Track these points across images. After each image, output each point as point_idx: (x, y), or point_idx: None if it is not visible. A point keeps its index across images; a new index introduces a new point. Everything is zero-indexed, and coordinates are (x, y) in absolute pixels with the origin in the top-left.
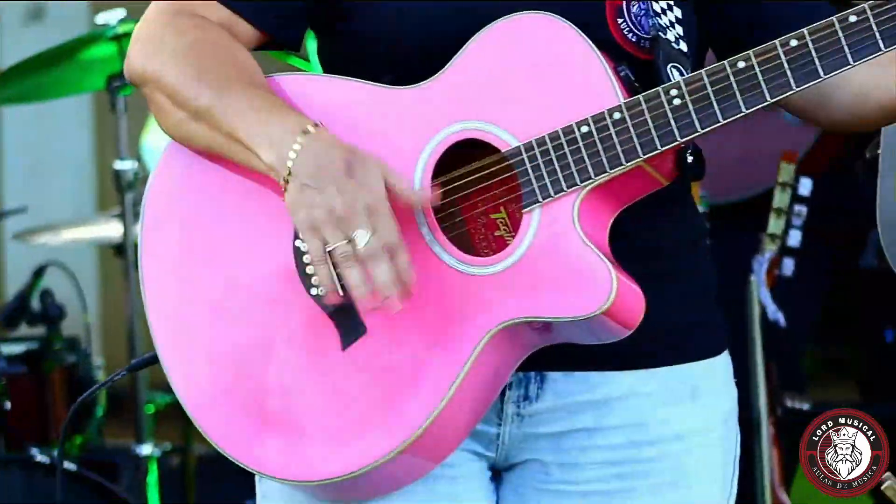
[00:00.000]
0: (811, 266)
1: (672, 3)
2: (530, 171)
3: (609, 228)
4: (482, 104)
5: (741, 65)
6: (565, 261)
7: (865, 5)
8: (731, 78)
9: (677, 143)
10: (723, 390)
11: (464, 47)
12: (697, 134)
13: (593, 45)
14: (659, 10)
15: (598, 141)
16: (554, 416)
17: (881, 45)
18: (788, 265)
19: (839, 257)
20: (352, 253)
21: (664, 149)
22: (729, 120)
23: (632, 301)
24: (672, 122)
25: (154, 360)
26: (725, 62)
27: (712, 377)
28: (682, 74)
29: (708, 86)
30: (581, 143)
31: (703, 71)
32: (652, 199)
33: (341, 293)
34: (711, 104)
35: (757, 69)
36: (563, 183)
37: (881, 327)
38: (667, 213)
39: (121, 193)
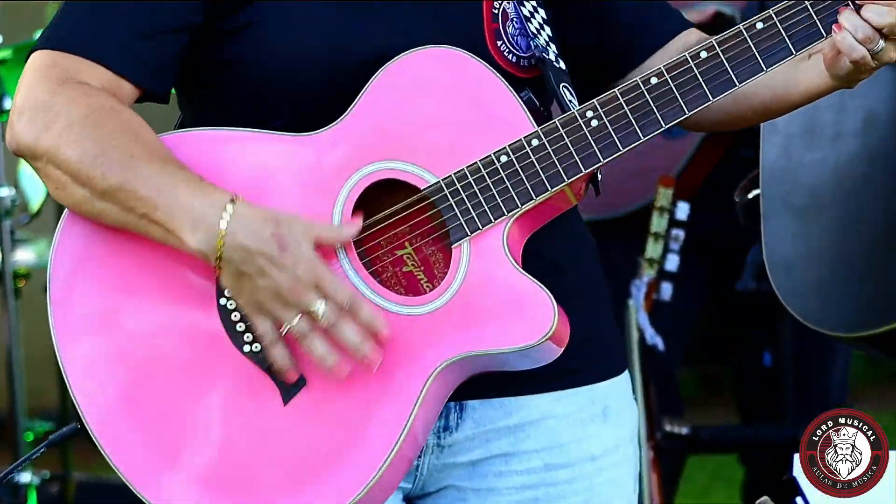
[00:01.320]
0: (689, 290)
1: (542, 21)
2: (455, 206)
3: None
4: (393, 143)
5: (654, 81)
6: (503, 291)
7: (771, 11)
8: (647, 95)
9: (601, 163)
10: (628, 408)
11: (366, 86)
12: (620, 153)
13: (498, 74)
14: (534, 31)
15: (519, 170)
16: (472, 444)
17: (792, 50)
18: (666, 290)
19: (717, 281)
20: (309, 328)
21: (588, 171)
22: (649, 136)
23: (564, 321)
24: (593, 144)
25: (77, 431)
26: (638, 79)
27: (619, 396)
28: (571, 93)
29: (624, 105)
30: (503, 173)
31: (616, 90)
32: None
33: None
34: (630, 122)
35: (671, 83)
36: (490, 215)
37: (759, 350)
38: (564, 229)
39: None
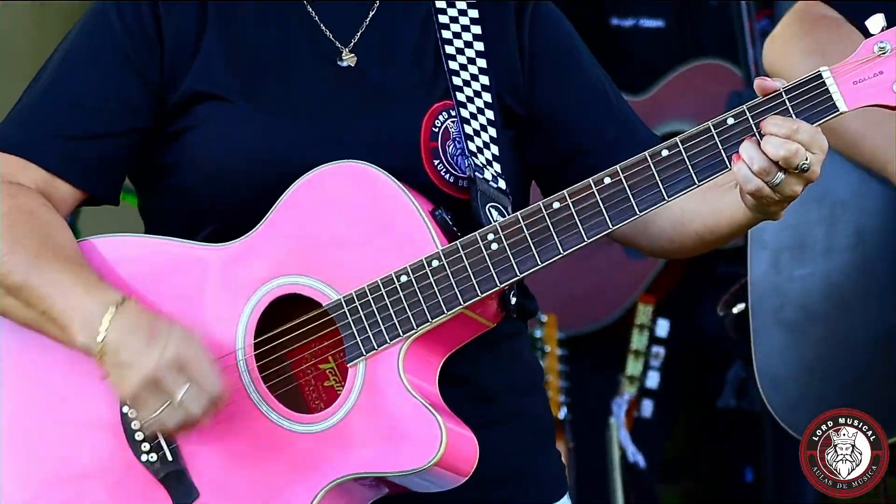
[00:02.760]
0: (670, 407)
1: (488, 140)
2: (352, 324)
3: (438, 374)
4: (301, 258)
5: (556, 205)
6: (393, 413)
7: (677, 139)
8: (548, 220)
9: (497, 288)
10: None
11: (278, 200)
12: (517, 278)
13: (406, 191)
14: (475, 149)
15: (417, 290)
16: None
17: (695, 179)
18: (647, 406)
19: (697, 398)
20: (177, 408)
21: (484, 295)
22: (548, 263)
23: (465, 449)
24: (491, 267)
25: None
26: (541, 203)
27: None
28: (501, 214)
29: (525, 229)
30: (401, 293)
31: (518, 214)
32: (483, 341)
33: (170, 457)
34: (529, 247)
35: (573, 209)
36: (385, 335)
37: (741, 467)
38: (499, 355)
39: None
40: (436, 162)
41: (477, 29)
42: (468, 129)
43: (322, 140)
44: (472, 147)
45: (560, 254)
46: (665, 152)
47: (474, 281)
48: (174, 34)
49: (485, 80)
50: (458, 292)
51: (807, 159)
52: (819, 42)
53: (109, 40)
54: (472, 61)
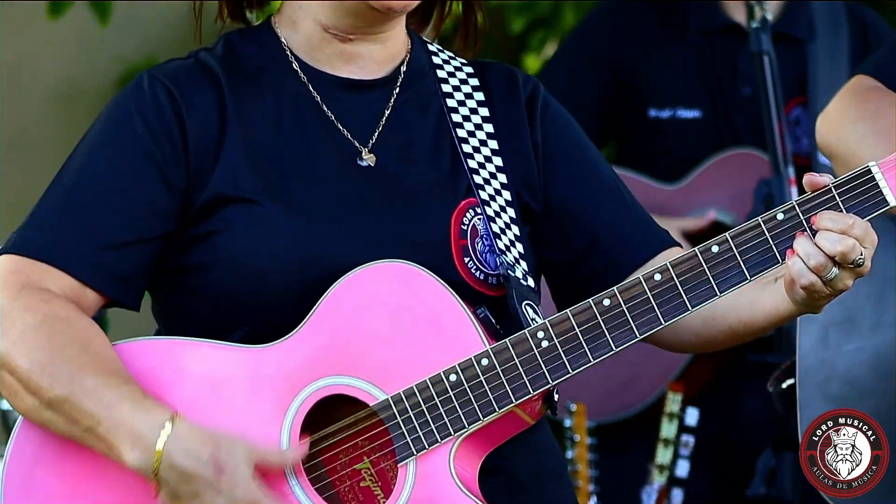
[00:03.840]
0: (700, 495)
1: (513, 238)
2: (402, 424)
3: (479, 468)
4: (345, 358)
5: (607, 302)
6: None
7: (727, 235)
8: (599, 317)
9: (549, 385)
10: None
11: (319, 301)
12: (569, 376)
13: (452, 291)
14: (503, 247)
15: (468, 389)
16: None
17: (746, 274)
18: (677, 496)
19: (727, 486)
20: None
21: (536, 393)
22: (599, 360)
23: None
24: (542, 365)
25: None
26: (590, 301)
27: None
28: (534, 311)
29: (575, 326)
30: (451, 392)
31: (568, 311)
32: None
33: None
34: (581, 344)
35: (624, 305)
36: (436, 434)
37: None
38: (528, 445)
39: None
40: (466, 260)
41: (489, 127)
42: (494, 227)
43: (354, 240)
44: (499, 245)
45: (612, 350)
46: (715, 248)
47: (525, 379)
48: (197, 137)
49: (503, 178)
50: (509, 390)
51: (861, 254)
52: (869, 111)
53: (135, 143)
54: (488, 159)
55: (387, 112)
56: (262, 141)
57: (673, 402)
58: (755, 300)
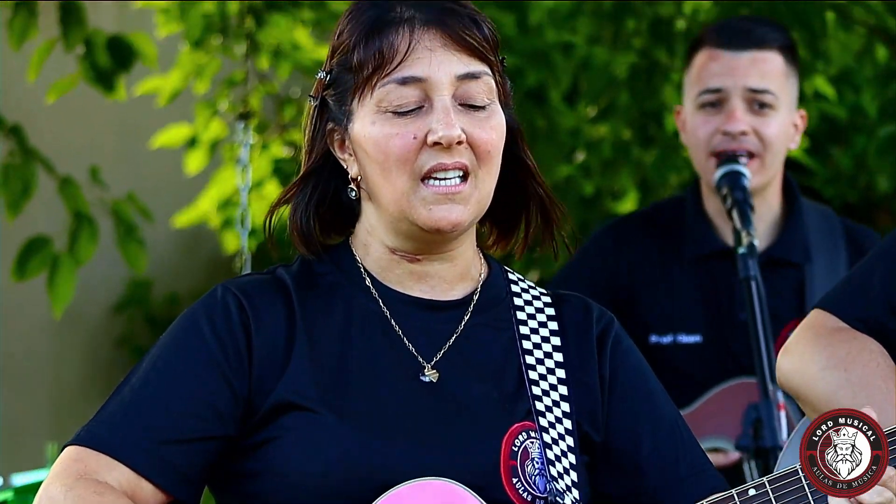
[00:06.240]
0: None
1: (567, 466)
2: None
3: None
4: None
5: None
6: None
7: (764, 479)
8: None
9: None
10: None
11: None
12: None
13: None
14: (556, 474)
15: None
16: None
17: None
18: None
19: None
20: None
21: None
22: None
23: None
24: None
25: None
26: None
27: None
28: None
29: None
30: None
31: None
32: None
33: None
34: None
35: None
36: None
37: None
38: None
39: None
40: (514, 480)
41: (559, 356)
42: (549, 454)
43: (405, 455)
44: (552, 471)
45: None
46: (752, 491)
47: None
48: (262, 348)
49: (566, 406)
50: None
51: None
52: (838, 358)
53: (201, 348)
54: (553, 388)
55: (456, 333)
56: (328, 352)
57: None
58: None
